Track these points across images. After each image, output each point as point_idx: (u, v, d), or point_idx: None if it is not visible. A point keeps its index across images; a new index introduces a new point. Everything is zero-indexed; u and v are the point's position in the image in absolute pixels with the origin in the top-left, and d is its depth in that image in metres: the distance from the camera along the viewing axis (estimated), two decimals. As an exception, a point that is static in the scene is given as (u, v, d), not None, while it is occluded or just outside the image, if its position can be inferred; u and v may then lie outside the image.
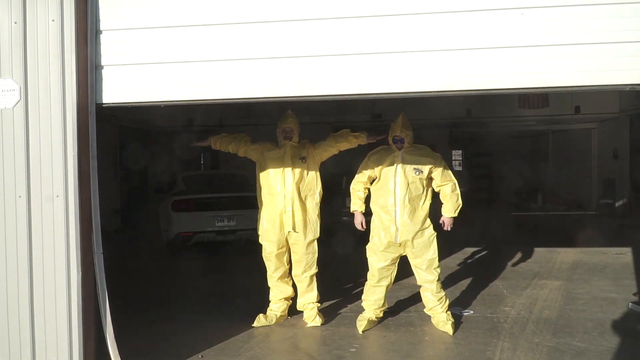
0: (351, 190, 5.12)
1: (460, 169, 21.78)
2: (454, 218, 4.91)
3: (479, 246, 9.51)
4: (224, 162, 14.87)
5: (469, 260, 8.28)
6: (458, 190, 4.87)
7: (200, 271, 7.87)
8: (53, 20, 3.71)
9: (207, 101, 3.85)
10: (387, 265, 4.93)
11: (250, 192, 8.87)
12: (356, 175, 5.09)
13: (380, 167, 4.92)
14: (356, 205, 5.05)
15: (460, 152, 22.05)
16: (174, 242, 9.08)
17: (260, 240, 5.23)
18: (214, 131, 16.38)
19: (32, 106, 3.74)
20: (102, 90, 3.83)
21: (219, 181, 10.30)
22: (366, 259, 5.08)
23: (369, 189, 5.07)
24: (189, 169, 16.19)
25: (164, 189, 10.79)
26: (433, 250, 4.86)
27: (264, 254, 5.24)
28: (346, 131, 5.30)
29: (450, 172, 4.89)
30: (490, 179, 21.12)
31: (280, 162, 5.09)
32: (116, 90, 3.84)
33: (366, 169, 5.02)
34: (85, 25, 3.74)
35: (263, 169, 5.16)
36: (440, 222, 4.94)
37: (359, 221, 5.03)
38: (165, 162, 16.37)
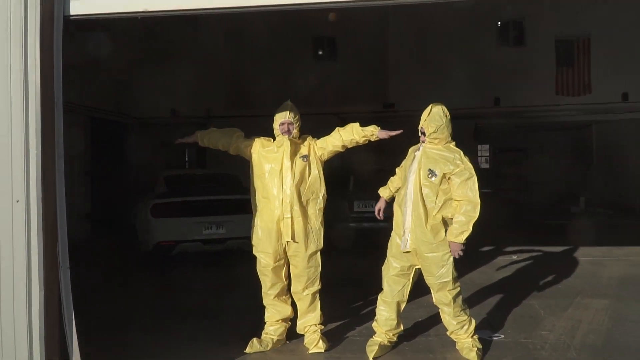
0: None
1: (487, 166, 21.90)
2: (465, 243, 4.70)
3: (510, 258, 9.47)
4: (213, 160, 14.92)
5: (499, 275, 8.23)
6: (473, 213, 4.60)
7: (185, 287, 7.87)
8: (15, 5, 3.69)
9: (192, 12, 3.75)
10: (399, 274, 4.93)
11: (243, 194, 8.93)
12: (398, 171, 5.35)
13: (406, 164, 5.03)
14: (381, 189, 5.41)
15: (487, 147, 22.13)
16: (154, 253, 9.09)
17: (255, 252, 5.21)
18: (200, 123, 16.62)
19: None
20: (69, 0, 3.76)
21: (206, 182, 10.31)
22: (379, 272, 5.06)
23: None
24: (172, 168, 16.23)
25: (143, 191, 10.78)
26: (447, 271, 4.77)
27: (259, 268, 5.23)
28: (355, 125, 5.26)
29: (474, 187, 4.64)
30: (523, 179, 21.16)
31: (278, 161, 5.08)
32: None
33: (404, 162, 5.15)
34: None
35: (258, 168, 5.15)
36: (453, 248, 4.73)
37: (377, 207, 5.34)
38: (145, 159, 16.40)
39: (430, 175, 4.75)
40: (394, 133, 5.13)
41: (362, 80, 16.16)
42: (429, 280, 4.89)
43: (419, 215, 4.77)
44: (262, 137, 5.30)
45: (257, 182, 5.17)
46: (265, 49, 16.59)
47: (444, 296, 4.83)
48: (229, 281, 8.10)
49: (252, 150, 5.21)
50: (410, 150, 5.10)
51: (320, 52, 17.86)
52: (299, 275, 5.18)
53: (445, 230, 4.76)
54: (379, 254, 5.09)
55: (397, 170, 5.29)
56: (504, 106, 15.43)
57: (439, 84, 14.97)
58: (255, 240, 5.18)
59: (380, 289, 5.06)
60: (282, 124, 5.13)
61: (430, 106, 4.90)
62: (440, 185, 4.74)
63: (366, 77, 16.22)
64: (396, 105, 15.22)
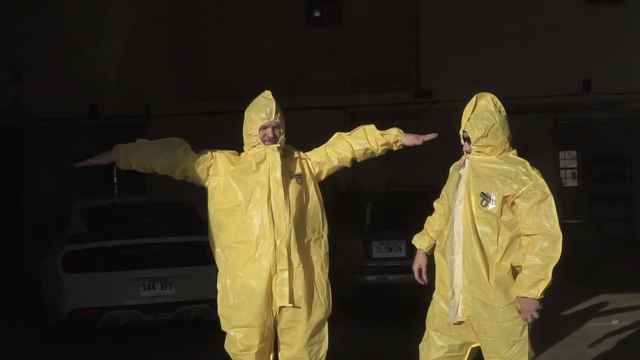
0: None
1: (574, 183, 21.87)
2: (541, 300, 4.69)
3: (609, 323, 9.45)
4: (155, 182, 14.88)
5: (594, 351, 8.17)
6: (553, 252, 4.52)
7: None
8: None
9: None
10: (446, 356, 4.84)
11: (202, 235, 8.94)
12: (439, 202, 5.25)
13: (450, 186, 4.99)
14: (418, 239, 5.28)
15: (573, 154, 22.11)
16: (67, 324, 9.03)
17: (225, 327, 5.10)
18: (135, 125, 16.57)
19: None
20: None
21: (146, 216, 10.30)
22: (414, 351, 5.00)
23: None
24: (93, 195, 16.22)
25: (50, 232, 10.75)
26: (520, 350, 4.70)
27: (232, 352, 5.10)
28: (369, 128, 5.28)
29: (550, 212, 4.61)
30: (627, 203, 21.09)
31: (263, 185, 5.02)
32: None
33: (445, 188, 5.10)
34: None
35: (227, 198, 5.05)
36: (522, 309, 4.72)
37: (415, 264, 5.22)
38: (52, 181, 16.41)
39: (484, 202, 4.71)
40: (427, 137, 5.20)
41: (381, 57, 16.20)
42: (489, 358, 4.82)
43: (475, 265, 4.69)
44: (227, 151, 5.23)
45: (226, 220, 5.08)
46: (235, 11, 16.69)
47: None
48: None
49: (213, 171, 5.14)
50: (452, 169, 5.05)
51: (318, 14, 17.98)
52: (296, 356, 5.12)
53: None
54: (414, 321, 5.04)
55: (435, 204, 5.22)
56: (596, 93, 15.45)
57: (496, 62, 15.03)
58: (224, 310, 5.08)
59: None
60: (264, 127, 5.07)
61: (474, 98, 4.83)
62: (501, 215, 4.70)
63: (388, 52, 16.26)
64: (434, 94, 15.24)
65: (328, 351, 5.17)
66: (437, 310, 4.89)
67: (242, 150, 5.16)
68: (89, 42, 15.55)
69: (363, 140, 5.22)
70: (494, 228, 4.70)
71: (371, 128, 5.24)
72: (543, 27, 15.23)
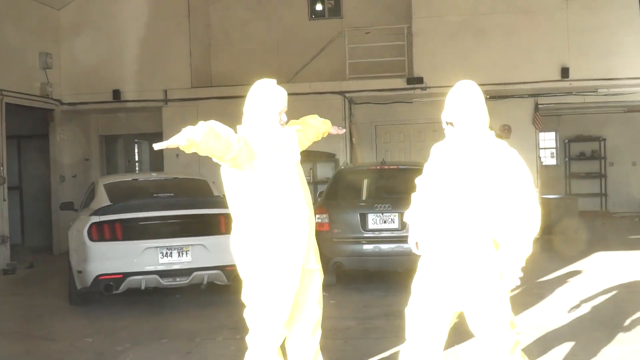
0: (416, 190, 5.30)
1: (553, 162, 21.87)
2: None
3: (582, 290, 9.45)
4: (172, 161, 14.95)
5: (568, 314, 8.21)
6: (533, 223, 4.59)
7: (136, 337, 7.88)
8: None
9: None
10: (436, 322, 4.89)
11: (216, 208, 9.00)
12: (421, 185, 5.22)
13: (431, 168, 5.00)
14: (408, 214, 5.24)
15: (552, 135, 22.10)
16: (93, 289, 9.09)
17: (264, 292, 5.02)
18: (154, 109, 16.65)
19: None
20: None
21: (164, 191, 10.33)
22: (402, 314, 5.05)
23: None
24: (116, 172, 16.29)
25: (77, 205, 10.81)
26: (503, 311, 4.79)
27: (261, 315, 5.03)
28: (316, 117, 5.65)
29: (529, 188, 4.66)
30: (602, 179, 21.12)
31: (288, 164, 5.11)
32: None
33: (428, 169, 5.10)
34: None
35: (261, 177, 5.02)
36: (510, 273, 4.66)
37: (413, 240, 5.13)
38: (79, 160, 16.47)
39: (471, 180, 4.74)
40: (342, 131, 5.79)
41: (377, 47, 16.21)
42: (475, 325, 4.80)
43: (463, 237, 4.74)
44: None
45: (261, 199, 5.03)
46: (242, 7, 16.68)
47: (497, 347, 4.79)
48: (195, 329, 8.12)
49: (254, 152, 4.99)
50: (433, 151, 5.06)
51: (319, 7, 17.94)
52: (309, 314, 5.19)
53: None
54: (403, 288, 5.08)
55: (418, 181, 5.23)
56: (573, 79, 15.42)
57: (482, 51, 15.01)
58: (253, 273, 5.04)
59: (404, 339, 5.04)
60: (279, 112, 5.11)
61: (457, 86, 4.84)
62: (486, 193, 4.73)
63: (383, 41, 16.26)
64: (425, 80, 15.24)
65: (327, 313, 5.27)
66: (424, 278, 4.88)
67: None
68: (111, 32, 15.56)
69: (322, 126, 5.65)
70: (480, 204, 4.74)
71: (317, 117, 5.68)
72: (525, 19, 15.18)
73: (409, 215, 5.23)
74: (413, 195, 5.24)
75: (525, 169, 4.67)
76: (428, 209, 4.98)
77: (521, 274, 4.63)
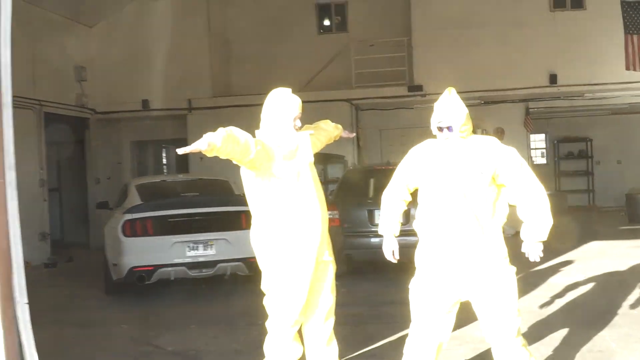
0: (382, 202, 5.06)
1: (543, 161, 21.80)
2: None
3: (573, 278, 9.40)
4: (196, 163, 14.99)
5: (561, 301, 8.17)
6: (545, 199, 4.66)
7: (166, 323, 7.91)
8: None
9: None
10: (442, 314, 4.86)
11: (236, 205, 9.02)
12: (390, 181, 5.03)
13: (423, 169, 4.82)
14: (386, 225, 4.98)
15: (542, 136, 22.03)
16: (127, 280, 9.14)
17: (282, 282, 5.03)
18: (179, 116, 16.64)
19: None
20: None
21: (189, 191, 10.38)
22: (401, 298, 5.01)
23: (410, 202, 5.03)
24: (146, 174, 16.35)
25: (111, 204, 10.86)
26: (511, 294, 4.72)
27: (280, 303, 5.05)
28: (329, 122, 5.66)
29: (529, 172, 4.72)
30: (590, 177, 21.03)
31: (304, 167, 5.11)
32: None
33: (404, 172, 4.93)
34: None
35: (275, 177, 5.01)
36: (523, 250, 4.74)
37: (388, 249, 4.96)
38: (112, 164, 16.54)
39: (479, 174, 4.69)
40: (352, 135, 5.89)
41: (381, 58, 16.19)
42: (484, 312, 4.73)
43: (472, 229, 4.67)
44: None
45: (278, 197, 5.04)
46: (259, 22, 16.69)
47: (507, 326, 4.74)
48: (219, 315, 8.14)
49: (272, 154, 4.99)
50: (417, 152, 4.92)
51: (327, 23, 17.95)
52: (324, 301, 5.20)
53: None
54: (408, 278, 5.06)
55: (398, 185, 4.98)
56: (561, 85, 15.38)
57: (477, 60, 14.98)
58: (280, 268, 5.05)
59: (410, 322, 5.02)
60: (296, 118, 5.11)
61: (447, 92, 4.78)
62: (491, 184, 4.71)
63: (385, 53, 16.25)
64: (424, 88, 15.22)
65: (340, 301, 5.27)
66: (431, 272, 4.79)
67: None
68: (139, 48, 15.61)
69: (326, 128, 5.63)
70: (487, 196, 4.70)
71: (329, 122, 5.70)
72: (515, 30, 15.17)
73: (386, 227, 4.99)
74: (391, 204, 5.01)
75: (519, 156, 4.72)
76: (428, 206, 4.81)
77: (541, 254, 4.66)
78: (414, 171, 4.87)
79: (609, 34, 14.86)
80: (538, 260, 4.69)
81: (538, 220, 4.64)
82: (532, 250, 4.67)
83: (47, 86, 13.74)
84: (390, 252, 4.94)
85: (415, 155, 4.92)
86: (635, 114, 19.55)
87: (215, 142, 4.50)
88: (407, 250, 5.12)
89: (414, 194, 5.01)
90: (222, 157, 4.69)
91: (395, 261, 4.94)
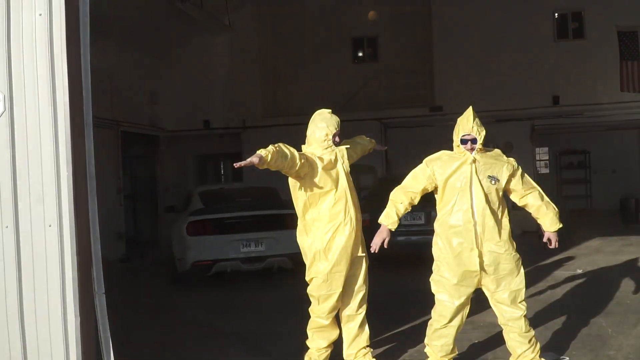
0: (391, 198, 5.00)
1: (546, 171, 21.48)
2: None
3: (573, 271, 9.28)
4: (249, 173, 15.05)
5: (561, 291, 8.07)
6: (546, 196, 4.89)
7: (223, 308, 7.98)
8: (40, 15, 3.85)
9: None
10: (462, 303, 4.84)
11: (282, 209, 9.08)
12: (404, 182, 4.99)
13: (445, 176, 4.80)
14: (388, 218, 4.91)
15: (545, 149, 21.71)
16: (191, 272, 9.24)
17: (323, 273, 5.00)
18: (235, 134, 16.80)
19: (17, 118, 3.87)
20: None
21: (243, 197, 10.46)
22: (429, 289, 5.02)
23: (413, 205, 5.02)
24: (207, 183, 16.50)
25: (177, 208, 10.99)
26: (520, 279, 4.76)
27: (321, 292, 5.05)
28: (364, 137, 5.65)
29: (529, 178, 4.94)
30: (588, 184, 20.65)
31: (343, 176, 5.11)
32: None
33: (422, 177, 4.89)
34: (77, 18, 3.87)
35: (318, 185, 5.00)
36: (545, 240, 4.96)
37: (380, 237, 4.88)
38: (178, 174, 16.74)
39: (492, 181, 4.74)
40: (385, 147, 5.54)
41: (406, 83, 16.17)
42: (498, 295, 4.76)
43: (493, 228, 4.71)
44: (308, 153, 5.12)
45: (319, 202, 5.04)
46: (302, 53, 16.80)
47: (516, 308, 4.73)
48: (268, 302, 8.18)
49: (315, 165, 4.97)
50: (436, 161, 4.89)
51: (361, 54, 17.96)
52: (358, 291, 5.18)
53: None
54: (426, 270, 5.05)
55: (400, 190, 4.98)
56: (563, 105, 15.14)
57: (490, 83, 14.85)
58: (322, 261, 5.03)
59: (432, 305, 5.00)
60: (335, 134, 5.12)
61: (469, 110, 4.81)
62: (502, 189, 4.80)
63: (410, 79, 16.22)
64: (444, 108, 15.11)
65: (371, 290, 5.26)
66: (451, 268, 4.78)
67: (300, 149, 5.11)
68: (201, 75, 15.83)
69: (368, 144, 5.66)
70: (499, 199, 4.74)
71: (362, 136, 5.67)
72: (523, 57, 14.99)
73: (387, 219, 4.92)
74: (397, 201, 4.95)
75: (518, 166, 4.91)
76: (452, 207, 4.79)
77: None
78: (433, 177, 4.87)
79: (606, 60, 14.63)
80: (557, 246, 4.91)
81: (550, 212, 4.84)
82: (552, 239, 4.92)
83: (123, 109, 13.99)
84: (381, 241, 4.88)
85: (434, 164, 4.91)
86: (629, 129, 19.24)
87: (266, 157, 4.55)
88: (426, 247, 5.12)
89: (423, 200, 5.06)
90: (272, 169, 4.74)
91: (373, 249, 4.90)
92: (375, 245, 4.89)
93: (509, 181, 4.81)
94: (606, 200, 19.21)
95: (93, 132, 4.02)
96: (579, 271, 9.29)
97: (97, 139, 4.07)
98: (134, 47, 14.36)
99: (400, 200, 4.94)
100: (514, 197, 4.92)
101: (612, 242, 12.45)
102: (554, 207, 4.89)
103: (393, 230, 4.92)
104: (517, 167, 4.87)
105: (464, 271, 4.73)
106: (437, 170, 4.85)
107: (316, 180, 4.98)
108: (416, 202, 4.98)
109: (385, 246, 4.89)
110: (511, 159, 4.91)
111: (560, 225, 4.90)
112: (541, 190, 4.91)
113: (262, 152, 4.57)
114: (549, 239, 4.96)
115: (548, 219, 4.88)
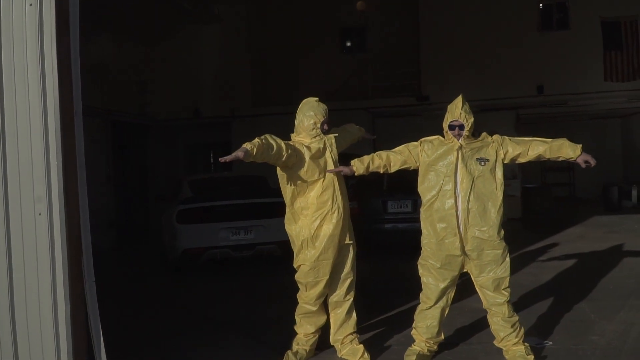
0: (375, 154, 5.11)
1: (531, 159, 21.53)
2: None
3: (557, 258, 9.34)
4: (238, 162, 14.99)
5: (546, 276, 8.12)
6: (548, 139, 4.87)
7: (213, 296, 7.97)
8: (30, 5, 3.80)
9: None
10: (446, 286, 4.87)
11: (271, 197, 9.06)
12: (392, 150, 5.07)
13: (430, 159, 4.86)
14: (361, 162, 5.10)
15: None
16: (181, 260, 9.22)
17: (312, 260, 4.99)
18: (225, 123, 16.73)
19: (7, 108, 3.84)
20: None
21: (232, 185, 10.44)
22: (416, 274, 5.04)
23: (387, 170, 5.07)
24: (196, 171, 16.45)
25: (167, 197, 10.94)
26: (504, 268, 4.77)
27: (309, 279, 5.05)
28: (354, 125, 5.64)
29: (518, 138, 4.92)
30: (570, 172, 20.77)
31: (330, 164, 5.08)
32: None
33: (410, 150, 4.97)
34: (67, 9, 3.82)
35: (310, 173, 4.99)
36: (583, 165, 4.82)
37: (340, 169, 5.04)
38: (168, 163, 16.67)
39: (482, 162, 4.73)
40: (374, 136, 6.01)
41: (394, 73, 16.14)
42: (482, 281, 4.79)
43: (477, 212, 4.71)
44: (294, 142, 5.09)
45: (307, 190, 5.01)
46: (291, 43, 16.72)
47: (499, 295, 4.76)
48: (259, 289, 8.18)
49: (302, 155, 4.94)
50: (428, 145, 4.94)
51: (349, 44, 17.90)
52: (345, 278, 5.18)
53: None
54: (415, 255, 5.07)
55: (394, 155, 5.06)
56: (547, 94, 15.19)
57: (476, 73, 14.86)
58: (309, 249, 5.02)
59: (419, 292, 5.03)
60: (323, 122, 5.11)
61: (459, 97, 4.84)
62: (495, 169, 4.78)
63: (398, 69, 16.20)
64: (431, 98, 15.12)
65: (359, 277, 5.27)
66: (435, 251, 4.83)
67: (289, 138, 5.09)
68: (191, 65, 15.73)
69: (357, 132, 5.64)
70: (493, 180, 4.74)
71: (352, 124, 5.66)
72: (508, 47, 15.02)
73: (358, 164, 5.08)
74: (378, 156, 5.09)
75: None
76: (438, 192, 4.84)
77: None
78: (419, 157, 4.96)
79: (590, 50, 14.70)
80: (594, 162, 4.76)
81: (564, 144, 4.82)
82: (587, 160, 4.78)
83: (114, 98, 13.89)
84: (339, 171, 5.04)
85: (426, 144, 4.97)
86: (611, 119, 19.36)
87: (251, 151, 4.51)
88: (413, 235, 5.13)
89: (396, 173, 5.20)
90: (259, 161, 4.72)
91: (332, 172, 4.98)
92: (332, 172, 4.97)
93: (500, 155, 4.80)
94: (588, 188, 19.37)
95: (83, 122, 3.99)
96: (563, 258, 9.34)
97: (88, 128, 4.04)
98: (125, 37, 14.24)
99: (379, 156, 5.09)
100: (522, 159, 4.91)
101: (595, 229, 12.55)
102: (561, 139, 4.84)
103: (356, 175, 5.11)
104: (502, 138, 4.88)
105: (447, 255, 4.80)
106: (426, 151, 4.92)
107: (304, 169, 4.96)
108: (392, 168, 5.09)
109: (342, 173, 5.04)
110: (495, 135, 4.91)
111: (580, 145, 4.79)
112: (538, 138, 4.89)
113: (247, 145, 4.52)
114: (585, 162, 4.81)
115: (566, 149, 4.80)
